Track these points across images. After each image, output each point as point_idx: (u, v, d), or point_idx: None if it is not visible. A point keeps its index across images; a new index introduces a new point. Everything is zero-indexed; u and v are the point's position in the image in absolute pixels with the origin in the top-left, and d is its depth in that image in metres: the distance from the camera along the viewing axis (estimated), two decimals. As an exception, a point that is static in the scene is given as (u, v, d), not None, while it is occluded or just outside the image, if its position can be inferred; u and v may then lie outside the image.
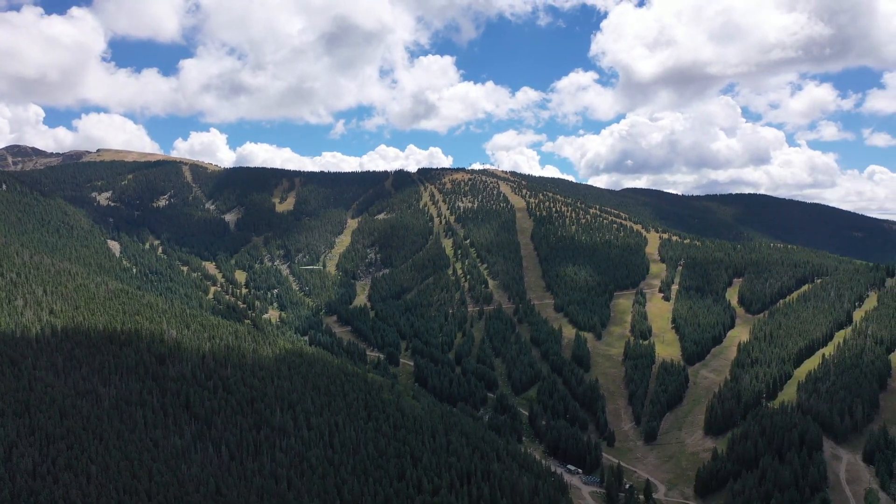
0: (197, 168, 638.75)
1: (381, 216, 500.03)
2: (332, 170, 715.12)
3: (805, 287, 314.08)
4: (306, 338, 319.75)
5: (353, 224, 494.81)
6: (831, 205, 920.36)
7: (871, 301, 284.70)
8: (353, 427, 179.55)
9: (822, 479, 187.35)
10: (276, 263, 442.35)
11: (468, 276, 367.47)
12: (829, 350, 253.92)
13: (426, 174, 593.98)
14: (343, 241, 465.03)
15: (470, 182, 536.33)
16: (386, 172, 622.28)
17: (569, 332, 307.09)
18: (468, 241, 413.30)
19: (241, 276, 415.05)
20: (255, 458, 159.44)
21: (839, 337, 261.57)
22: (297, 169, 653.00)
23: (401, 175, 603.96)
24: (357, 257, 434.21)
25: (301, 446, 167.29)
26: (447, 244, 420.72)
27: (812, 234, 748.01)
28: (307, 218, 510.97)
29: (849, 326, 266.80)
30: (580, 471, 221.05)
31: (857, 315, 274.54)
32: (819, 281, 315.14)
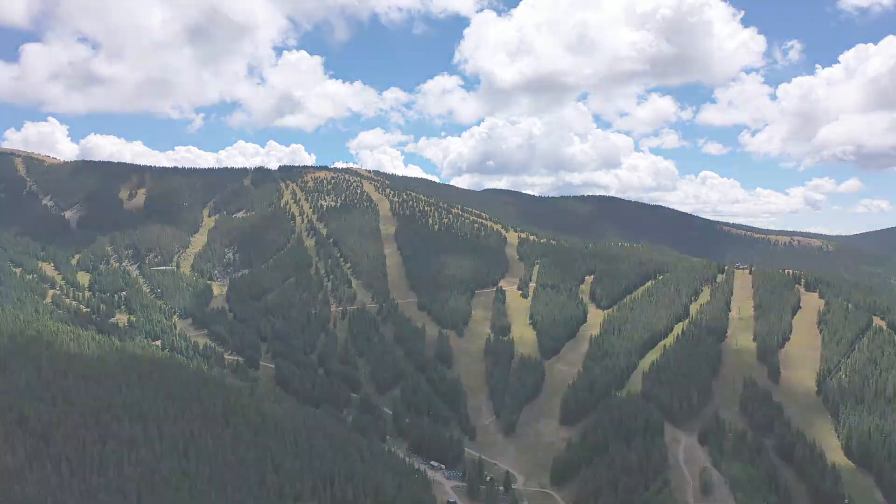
0: (32, 161, 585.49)
1: (239, 215, 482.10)
2: (188, 165, 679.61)
3: (649, 283, 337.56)
4: (158, 343, 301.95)
5: (209, 223, 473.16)
6: (672, 206, 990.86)
7: (705, 295, 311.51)
8: (210, 434, 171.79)
9: (664, 461, 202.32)
10: (124, 264, 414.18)
11: (331, 276, 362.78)
12: (669, 341, 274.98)
13: (288, 172, 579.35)
14: (199, 241, 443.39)
15: (333, 181, 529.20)
16: (245, 169, 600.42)
17: (432, 330, 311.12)
18: (331, 240, 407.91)
19: (83, 279, 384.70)
20: (100, 474, 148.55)
21: (678, 329, 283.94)
22: (149, 164, 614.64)
23: (261, 172, 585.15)
24: (214, 257, 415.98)
25: (153, 458, 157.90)
26: (310, 244, 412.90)
27: (655, 233, 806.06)
28: (159, 216, 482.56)
29: (686, 319, 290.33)
30: (443, 466, 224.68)
31: (693, 308, 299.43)
32: (661, 277, 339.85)
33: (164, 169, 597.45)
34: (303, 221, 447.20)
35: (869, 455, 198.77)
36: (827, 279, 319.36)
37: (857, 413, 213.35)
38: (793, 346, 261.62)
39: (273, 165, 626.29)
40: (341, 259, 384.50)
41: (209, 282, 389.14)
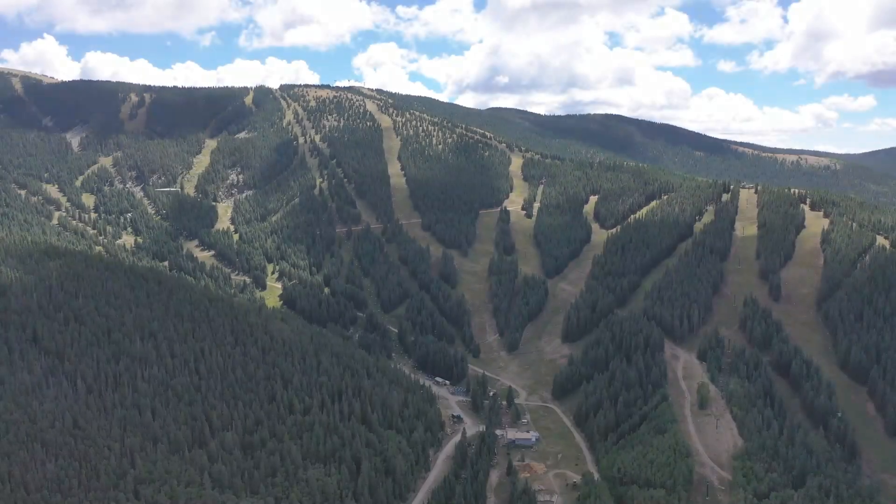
0: (30, 80, 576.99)
1: (241, 135, 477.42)
2: (187, 84, 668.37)
3: (653, 203, 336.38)
4: (166, 263, 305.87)
5: (211, 144, 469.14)
6: (683, 126, 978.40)
7: (709, 215, 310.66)
8: (219, 353, 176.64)
9: (663, 376, 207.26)
10: (128, 186, 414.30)
11: (335, 197, 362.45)
12: (671, 261, 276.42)
13: (289, 91, 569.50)
14: (202, 162, 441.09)
15: (335, 100, 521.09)
16: (246, 88, 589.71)
17: (436, 250, 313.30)
18: (335, 160, 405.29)
19: (88, 200, 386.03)
20: (115, 390, 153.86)
21: (681, 248, 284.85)
22: (149, 83, 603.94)
23: (262, 92, 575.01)
24: (218, 178, 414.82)
25: (165, 375, 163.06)
26: (313, 164, 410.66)
27: (664, 152, 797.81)
28: (161, 137, 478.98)
29: (689, 238, 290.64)
30: (448, 382, 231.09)
31: (697, 227, 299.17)
32: (666, 197, 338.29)
33: (164, 88, 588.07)
34: (305, 142, 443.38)
35: (863, 371, 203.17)
36: (832, 198, 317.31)
37: (856, 331, 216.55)
38: (795, 265, 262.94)
39: (274, 84, 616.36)
40: (345, 180, 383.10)
41: (214, 203, 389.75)
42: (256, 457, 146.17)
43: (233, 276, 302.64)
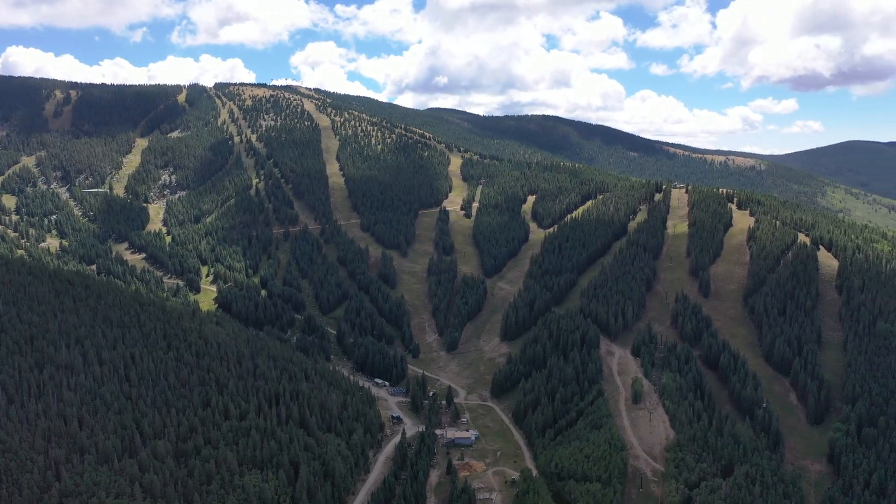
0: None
1: (174, 134, 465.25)
2: (117, 82, 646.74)
3: (589, 203, 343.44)
4: (93, 267, 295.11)
5: (142, 143, 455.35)
6: (618, 126, 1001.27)
7: (643, 214, 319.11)
8: (151, 358, 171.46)
9: (599, 372, 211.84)
10: (52, 186, 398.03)
11: (272, 198, 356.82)
12: (607, 259, 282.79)
13: (224, 89, 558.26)
14: (132, 162, 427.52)
15: (272, 99, 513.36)
16: (179, 86, 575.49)
17: (375, 250, 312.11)
18: (272, 160, 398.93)
19: (9, 202, 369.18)
20: (38, 400, 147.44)
21: (616, 247, 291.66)
22: (75, 80, 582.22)
23: (196, 90, 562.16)
24: (149, 179, 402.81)
25: (92, 383, 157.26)
26: (249, 164, 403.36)
27: (599, 153, 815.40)
28: (88, 136, 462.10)
29: (624, 237, 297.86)
30: (387, 383, 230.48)
31: (631, 226, 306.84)
32: (601, 197, 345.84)
33: (92, 85, 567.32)
34: (241, 141, 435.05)
35: (786, 362, 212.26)
36: (758, 198, 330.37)
37: (779, 324, 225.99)
38: (723, 261, 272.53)
39: (208, 82, 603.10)
40: (282, 180, 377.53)
41: (144, 204, 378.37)
42: (190, 465, 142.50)
43: (165, 280, 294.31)
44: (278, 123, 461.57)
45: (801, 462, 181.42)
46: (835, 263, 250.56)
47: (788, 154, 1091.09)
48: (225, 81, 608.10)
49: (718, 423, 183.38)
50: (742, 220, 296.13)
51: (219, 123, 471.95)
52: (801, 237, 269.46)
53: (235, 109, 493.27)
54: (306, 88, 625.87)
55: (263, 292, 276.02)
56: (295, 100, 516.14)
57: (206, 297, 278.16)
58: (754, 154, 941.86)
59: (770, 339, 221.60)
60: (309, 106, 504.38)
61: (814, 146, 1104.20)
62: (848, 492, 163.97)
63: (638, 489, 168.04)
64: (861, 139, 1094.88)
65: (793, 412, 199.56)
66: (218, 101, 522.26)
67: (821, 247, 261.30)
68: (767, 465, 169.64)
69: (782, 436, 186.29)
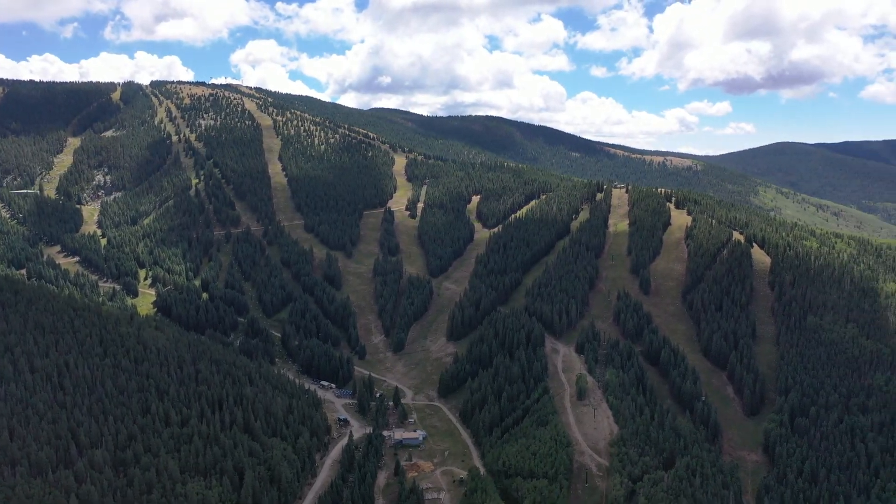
0: None
1: (109, 133, 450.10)
2: (46, 78, 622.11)
3: (533, 202, 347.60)
4: (23, 271, 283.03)
5: (74, 142, 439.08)
6: (559, 127, 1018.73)
7: (585, 213, 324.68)
8: (86, 365, 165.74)
9: (544, 370, 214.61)
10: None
11: (213, 199, 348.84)
12: (551, 258, 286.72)
13: (161, 87, 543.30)
14: (63, 162, 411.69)
15: (212, 98, 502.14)
16: (113, 84, 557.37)
17: (320, 252, 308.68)
18: (212, 160, 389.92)
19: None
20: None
21: (559, 246, 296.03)
22: (1, 77, 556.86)
23: (131, 87, 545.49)
24: (82, 179, 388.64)
25: (24, 392, 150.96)
26: (188, 164, 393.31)
27: (541, 153, 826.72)
28: (16, 134, 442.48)
29: (567, 236, 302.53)
30: (333, 386, 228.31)
31: (574, 226, 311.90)
32: (544, 197, 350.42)
33: (20, 82, 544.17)
34: (180, 140, 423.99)
35: (723, 357, 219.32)
36: (694, 197, 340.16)
37: (716, 320, 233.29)
38: (663, 259, 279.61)
39: (144, 80, 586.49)
40: (223, 180, 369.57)
41: (78, 206, 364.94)
42: (130, 474, 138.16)
43: (101, 284, 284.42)
44: (218, 123, 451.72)
45: (738, 453, 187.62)
46: (767, 260, 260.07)
47: (723, 155, 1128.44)
48: (162, 79, 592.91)
49: (660, 417, 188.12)
50: (680, 219, 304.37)
51: (156, 122, 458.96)
52: (736, 235, 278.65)
53: (173, 108, 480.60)
54: (247, 87, 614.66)
55: (205, 295, 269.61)
56: (235, 99, 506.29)
57: (145, 301, 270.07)
58: (691, 155, 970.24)
59: (708, 334, 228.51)
60: (250, 105, 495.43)
61: (746, 147, 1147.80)
62: (782, 480, 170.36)
63: (583, 484, 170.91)
64: (790, 141, 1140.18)
65: (730, 404, 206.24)
66: (154, 99, 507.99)
67: (754, 244, 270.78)
68: (707, 456, 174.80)
69: (720, 428, 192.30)
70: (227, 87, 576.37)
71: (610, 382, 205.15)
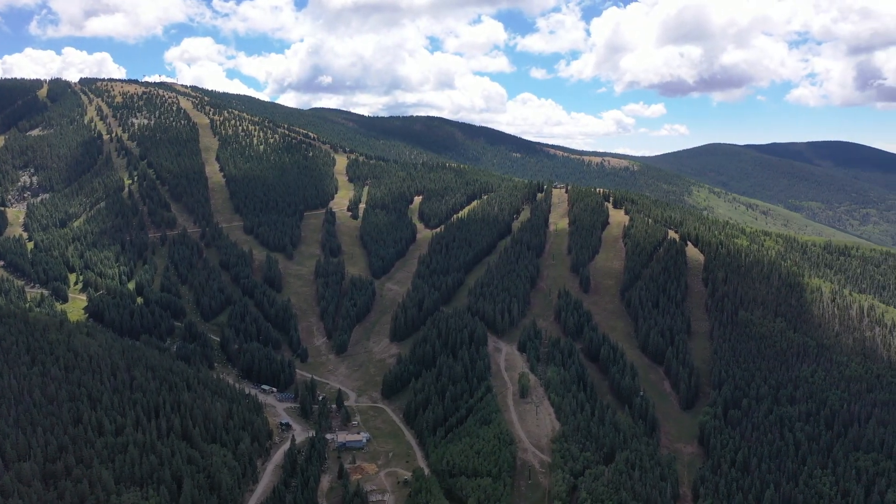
0: None
1: (35, 132, 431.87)
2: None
3: (475, 203, 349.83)
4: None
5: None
6: (500, 128, 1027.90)
7: (526, 213, 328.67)
8: (12, 374, 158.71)
9: (487, 369, 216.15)
10: None
11: (147, 200, 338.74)
12: (493, 258, 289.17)
13: (91, 85, 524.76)
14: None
15: (145, 96, 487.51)
16: (39, 81, 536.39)
17: (259, 254, 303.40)
18: (146, 161, 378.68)
19: None
20: None
21: (501, 245, 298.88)
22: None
23: (59, 85, 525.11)
24: (6, 180, 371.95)
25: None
26: (120, 164, 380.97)
27: (483, 153, 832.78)
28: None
29: (508, 236, 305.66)
30: (275, 389, 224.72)
31: (515, 226, 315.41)
32: (486, 197, 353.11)
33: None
34: (111, 140, 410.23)
35: (660, 352, 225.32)
36: (631, 197, 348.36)
37: (653, 316, 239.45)
38: (601, 258, 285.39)
39: (73, 77, 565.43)
40: (158, 181, 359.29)
41: (2, 208, 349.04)
42: (60, 486, 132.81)
43: (27, 290, 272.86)
44: (152, 122, 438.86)
45: (675, 445, 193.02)
46: (701, 258, 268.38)
47: (658, 156, 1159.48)
48: (92, 77, 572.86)
49: (600, 413, 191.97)
50: (618, 218, 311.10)
51: (86, 121, 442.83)
52: (671, 234, 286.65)
53: (104, 107, 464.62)
54: (182, 86, 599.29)
55: (139, 300, 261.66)
56: (170, 97, 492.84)
57: (76, 307, 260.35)
58: (627, 155, 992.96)
59: (645, 330, 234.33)
60: (185, 104, 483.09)
61: (680, 148, 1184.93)
62: (717, 470, 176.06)
63: (527, 481, 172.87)
64: (721, 142, 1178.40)
65: (667, 399, 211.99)
66: (84, 97, 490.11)
67: (688, 243, 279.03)
68: (645, 450, 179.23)
69: (658, 422, 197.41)
70: (162, 85, 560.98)
71: (552, 380, 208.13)
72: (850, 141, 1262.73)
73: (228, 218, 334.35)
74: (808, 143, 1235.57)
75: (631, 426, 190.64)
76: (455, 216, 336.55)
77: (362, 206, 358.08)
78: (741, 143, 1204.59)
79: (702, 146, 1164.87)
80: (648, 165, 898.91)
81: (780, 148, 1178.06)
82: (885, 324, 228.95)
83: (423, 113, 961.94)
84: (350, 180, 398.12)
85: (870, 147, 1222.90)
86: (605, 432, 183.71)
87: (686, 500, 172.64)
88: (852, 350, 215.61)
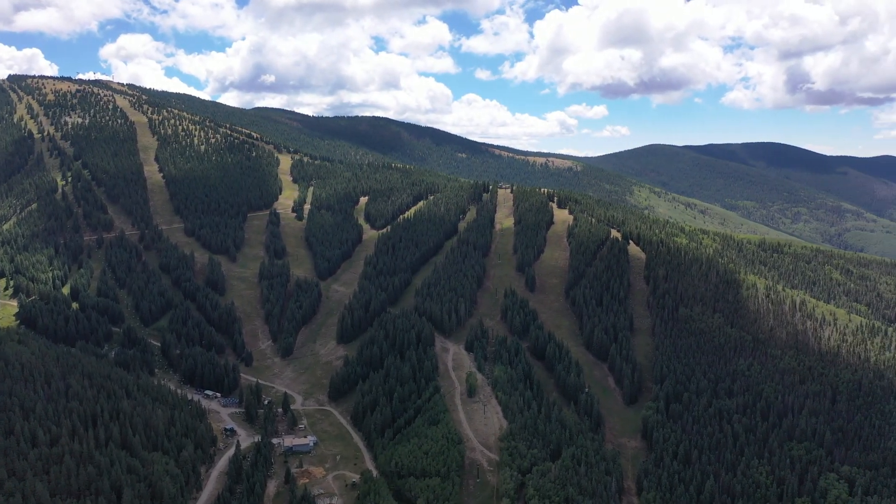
0: None
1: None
2: None
3: (421, 203, 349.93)
4: None
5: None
6: (446, 129, 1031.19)
7: (472, 213, 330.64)
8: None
9: (434, 369, 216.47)
10: None
11: (82, 202, 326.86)
12: (439, 258, 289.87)
13: (20, 82, 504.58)
14: None
15: (80, 94, 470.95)
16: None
17: (201, 256, 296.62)
18: (80, 161, 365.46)
19: None
20: None
21: (447, 246, 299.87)
22: None
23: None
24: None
25: None
26: (53, 165, 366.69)
27: (429, 154, 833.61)
28: None
29: (455, 236, 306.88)
30: (219, 395, 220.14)
31: (461, 226, 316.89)
32: (432, 197, 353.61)
33: None
34: (43, 140, 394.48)
35: (604, 349, 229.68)
36: (575, 197, 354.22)
37: (597, 314, 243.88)
38: (546, 257, 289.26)
39: (1, 74, 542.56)
40: (93, 182, 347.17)
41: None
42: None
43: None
44: (87, 121, 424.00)
45: (619, 440, 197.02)
46: (642, 256, 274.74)
47: (600, 156, 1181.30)
48: (22, 73, 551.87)
49: (546, 410, 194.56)
50: (562, 218, 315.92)
51: (15, 120, 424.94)
52: (614, 233, 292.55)
53: (35, 104, 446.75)
54: (119, 84, 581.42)
55: (75, 305, 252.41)
56: (106, 95, 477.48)
57: (6, 314, 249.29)
58: (571, 156, 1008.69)
59: (589, 328, 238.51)
60: (122, 102, 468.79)
61: (622, 149, 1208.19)
62: (659, 463, 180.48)
63: (475, 480, 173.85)
64: (661, 143, 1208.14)
65: (611, 394, 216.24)
66: (13, 94, 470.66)
67: (630, 241, 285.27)
68: (591, 445, 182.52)
69: (603, 417, 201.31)
70: (97, 83, 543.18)
71: (499, 379, 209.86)
72: (782, 142, 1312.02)
73: (169, 220, 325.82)
74: (743, 144, 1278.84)
75: (576, 422, 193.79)
76: (401, 216, 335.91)
77: (307, 206, 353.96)
78: (680, 144, 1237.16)
79: (643, 147, 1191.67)
80: (591, 166, 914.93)
81: (716, 149, 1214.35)
82: (816, 318, 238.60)
83: (368, 113, 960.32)
84: (295, 181, 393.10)
85: (800, 148, 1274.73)
86: (551, 429, 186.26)
87: (630, 494, 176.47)
88: (786, 343, 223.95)
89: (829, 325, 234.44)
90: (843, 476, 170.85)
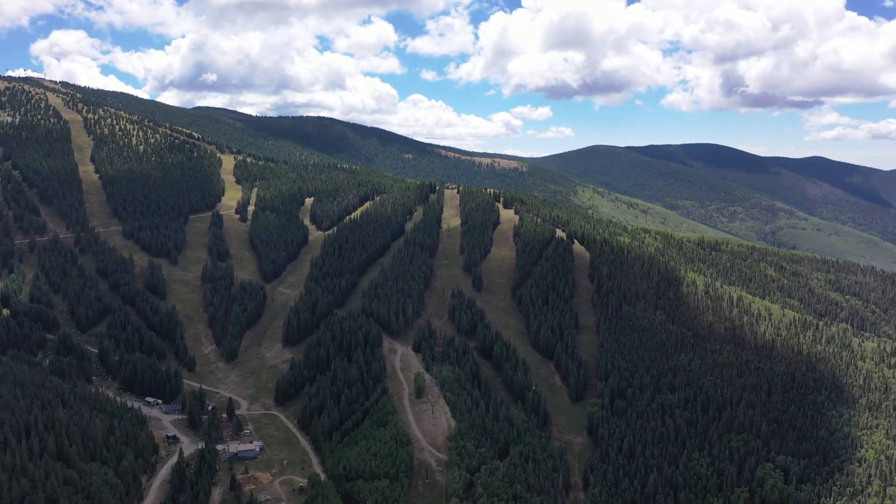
0: None
1: None
2: None
3: (367, 204, 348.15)
4: None
5: None
6: (392, 129, 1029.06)
7: (419, 214, 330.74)
8: None
9: (382, 370, 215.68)
10: None
11: (13, 204, 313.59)
12: (386, 259, 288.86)
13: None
14: None
15: (8, 91, 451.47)
16: None
17: (141, 259, 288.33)
18: (10, 161, 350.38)
19: None
20: None
21: (394, 247, 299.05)
22: None
23: None
24: None
25: None
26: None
27: (375, 154, 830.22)
28: None
29: (402, 237, 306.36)
30: (160, 401, 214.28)
31: (408, 226, 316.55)
32: (378, 198, 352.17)
33: None
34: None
35: (550, 348, 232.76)
36: (521, 197, 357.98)
37: (543, 313, 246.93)
38: (493, 257, 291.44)
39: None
40: (24, 184, 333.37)
41: None
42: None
43: None
44: (17, 120, 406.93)
45: (566, 437, 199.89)
46: (587, 255, 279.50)
47: (545, 157, 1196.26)
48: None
49: (494, 409, 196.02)
50: (508, 218, 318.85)
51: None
52: (559, 232, 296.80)
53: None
54: (51, 81, 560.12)
55: (6, 311, 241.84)
56: (37, 93, 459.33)
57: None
58: (517, 157, 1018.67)
59: (536, 326, 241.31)
60: (55, 101, 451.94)
61: (566, 150, 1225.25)
62: (605, 458, 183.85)
63: (424, 480, 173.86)
64: (604, 144, 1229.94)
65: (557, 392, 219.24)
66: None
67: (575, 240, 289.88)
68: (538, 443, 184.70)
69: (549, 415, 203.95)
70: (28, 80, 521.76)
71: (447, 379, 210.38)
72: (719, 143, 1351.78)
73: (106, 222, 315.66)
74: (682, 145, 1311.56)
75: (524, 420, 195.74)
76: (348, 217, 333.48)
77: (251, 208, 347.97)
78: (622, 145, 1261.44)
79: (586, 148, 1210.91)
80: (536, 166, 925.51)
81: (656, 150, 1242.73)
82: (752, 313, 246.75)
83: (313, 113, 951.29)
84: (238, 182, 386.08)
85: (735, 149, 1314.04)
86: (499, 428, 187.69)
87: (577, 489, 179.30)
88: (724, 338, 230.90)
89: (765, 319, 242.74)
90: (778, 465, 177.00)
